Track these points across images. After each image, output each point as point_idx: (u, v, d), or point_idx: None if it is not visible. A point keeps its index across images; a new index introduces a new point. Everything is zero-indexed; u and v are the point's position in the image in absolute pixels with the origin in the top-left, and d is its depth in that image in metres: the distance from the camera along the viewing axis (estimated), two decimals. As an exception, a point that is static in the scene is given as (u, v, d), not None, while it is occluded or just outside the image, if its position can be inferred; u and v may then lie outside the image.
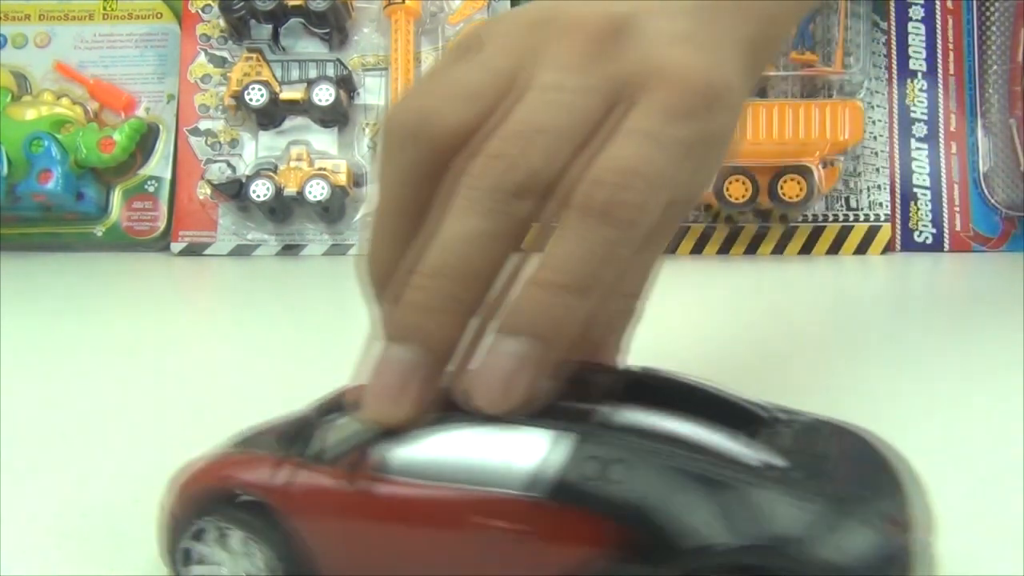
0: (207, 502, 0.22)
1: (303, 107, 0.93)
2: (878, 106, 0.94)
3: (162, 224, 0.97)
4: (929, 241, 0.94)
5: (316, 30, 0.96)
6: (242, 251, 0.94)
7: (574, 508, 0.19)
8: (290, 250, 0.94)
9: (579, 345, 0.24)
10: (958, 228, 0.94)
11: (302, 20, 0.95)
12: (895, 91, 0.95)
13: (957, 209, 0.94)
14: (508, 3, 0.97)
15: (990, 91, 0.95)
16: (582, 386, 0.24)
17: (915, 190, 0.94)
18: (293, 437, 0.24)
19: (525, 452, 0.20)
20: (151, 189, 0.98)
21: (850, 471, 0.22)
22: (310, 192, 0.90)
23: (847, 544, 0.18)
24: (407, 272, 0.23)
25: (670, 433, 0.21)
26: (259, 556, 0.22)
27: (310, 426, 0.24)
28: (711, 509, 0.19)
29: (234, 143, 0.96)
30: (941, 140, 0.95)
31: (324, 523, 0.21)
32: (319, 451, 0.22)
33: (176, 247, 0.95)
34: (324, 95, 0.92)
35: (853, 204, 0.92)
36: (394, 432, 0.21)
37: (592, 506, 0.19)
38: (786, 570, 0.18)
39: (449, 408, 0.22)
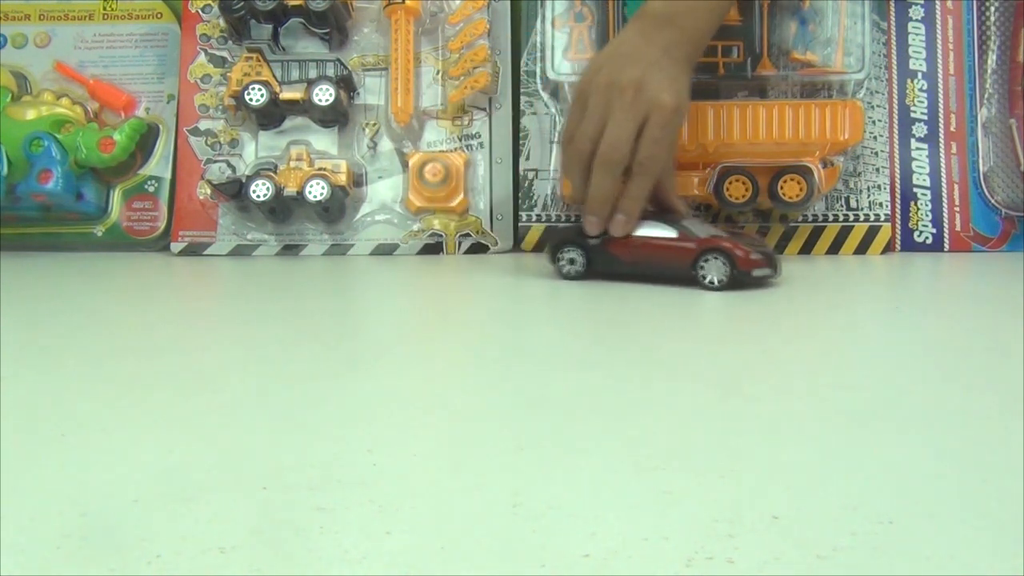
0: None
1: (303, 107, 0.93)
2: (878, 106, 0.94)
3: (162, 224, 0.97)
4: (929, 241, 0.94)
5: (316, 30, 0.96)
6: (242, 251, 0.94)
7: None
8: (290, 250, 0.94)
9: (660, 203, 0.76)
10: (958, 228, 0.93)
11: (302, 20, 0.95)
12: (895, 91, 0.95)
13: (957, 209, 0.94)
14: (508, 3, 0.98)
15: (990, 91, 0.95)
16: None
17: (915, 190, 0.94)
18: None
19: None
20: (151, 189, 0.98)
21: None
22: (310, 192, 0.90)
23: None
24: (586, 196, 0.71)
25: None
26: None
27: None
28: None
29: (234, 143, 0.96)
30: (941, 140, 0.95)
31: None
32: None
33: (176, 247, 0.95)
34: (324, 95, 0.92)
35: (853, 204, 0.92)
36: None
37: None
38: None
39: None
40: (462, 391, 0.41)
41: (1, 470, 0.30)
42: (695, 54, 0.76)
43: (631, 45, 0.73)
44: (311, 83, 0.92)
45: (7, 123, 0.94)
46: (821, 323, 0.58)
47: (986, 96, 0.95)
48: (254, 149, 0.96)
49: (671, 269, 0.69)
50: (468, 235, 0.94)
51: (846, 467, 0.30)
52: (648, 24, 0.74)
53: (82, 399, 0.40)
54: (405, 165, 0.95)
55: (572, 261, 0.72)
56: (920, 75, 0.95)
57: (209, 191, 0.94)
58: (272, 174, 0.92)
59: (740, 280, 0.67)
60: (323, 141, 0.96)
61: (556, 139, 0.94)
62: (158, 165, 0.98)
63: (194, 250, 0.95)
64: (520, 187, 0.95)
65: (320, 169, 0.92)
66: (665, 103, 0.69)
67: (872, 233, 0.92)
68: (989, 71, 0.95)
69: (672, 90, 0.70)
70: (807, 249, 0.92)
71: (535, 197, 0.94)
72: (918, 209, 0.94)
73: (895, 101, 0.95)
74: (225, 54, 0.97)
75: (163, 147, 0.99)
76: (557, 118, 0.94)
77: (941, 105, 0.95)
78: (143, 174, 0.98)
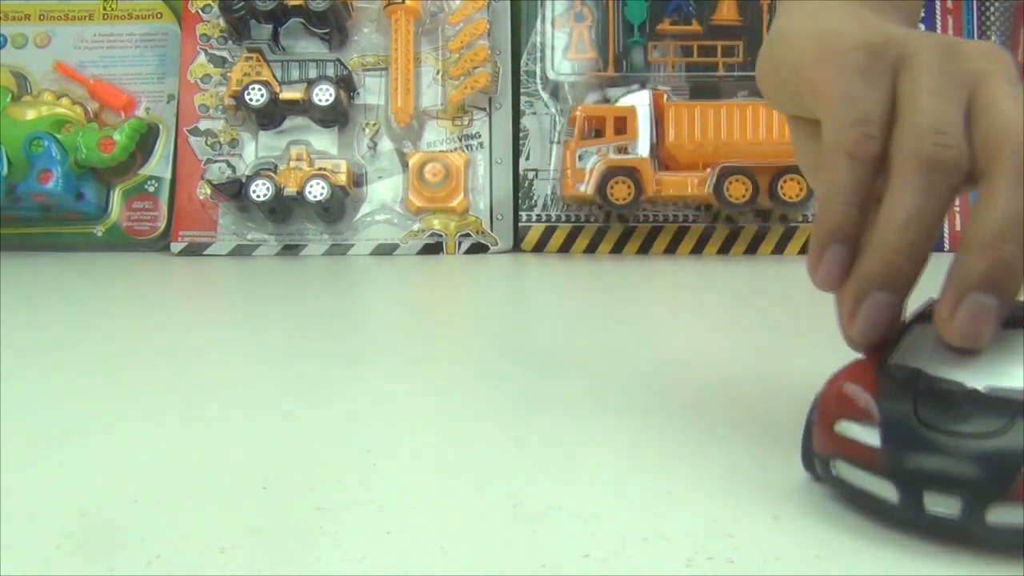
0: None
1: (303, 107, 0.93)
2: (878, 106, 0.94)
3: (162, 224, 0.97)
4: (929, 241, 0.94)
5: (316, 30, 0.96)
6: (242, 251, 0.94)
7: None
8: (290, 250, 0.94)
9: None
10: (958, 228, 0.93)
11: (302, 20, 0.95)
12: (895, 91, 0.95)
13: (957, 209, 0.94)
14: (508, 3, 0.98)
15: (990, 91, 0.95)
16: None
17: (915, 190, 0.94)
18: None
19: None
20: (151, 189, 0.98)
21: None
22: (310, 192, 0.90)
23: None
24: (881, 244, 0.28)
25: None
26: None
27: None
28: None
29: (234, 143, 0.96)
30: (941, 140, 0.95)
31: None
32: None
33: (176, 247, 0.95)
34: (324, 95, 0.92)
35: (853, 204, 0.92)
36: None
37: None
38: None
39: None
40: (462, 391, 0.41)
41: (1, 470, 0.30)
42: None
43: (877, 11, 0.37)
44: (311, 83, 0.92)
45: (7, 123, 0.94)
46: (821, 321, 0.58)
47: (986, 96, 0.95)
48: (254, 149, 0.96)
49: None
50: (468, 235, 0.94)
51: (846, 467, 0.30)
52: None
53: (82, 399, 0.40)
54: (405, 165, 0.95)
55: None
56: (920, 75, 0.95)
57: (209, 191, 0.94)
58: (272, 174, 0.92)
59: None
60: (323, 141, 0.96)
61: (556, 139, 0.94)
62: (158, 165, 0.98)
63: (194, 250, 0.95)
64: (520, 187, 0.95)
65: (320, 169, 0.92)
66: (1001, 53, 0.33)
67: (872, 233, 0.92)
68: (989, 71, 0.95)
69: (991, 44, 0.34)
70: (807, 249, 0.92)
71: (535, 197, 0.94)
72: (918, 209, 0.94)
73: (895, 101, 0.95)
74: (225, 54, 0.97)
75: (163, 147, 0.99)
76: (557, 118, 0.94)
77: (941, 105, 0.95)
78: (143, 174, 0.98)
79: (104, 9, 1.02)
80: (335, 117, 0.95)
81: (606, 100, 0.92)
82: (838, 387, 0.27)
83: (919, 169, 0.28)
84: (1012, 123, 0.28)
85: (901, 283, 0.28)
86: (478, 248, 0.94)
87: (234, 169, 0.95)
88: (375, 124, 0.96)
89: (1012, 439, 0.23)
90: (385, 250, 0.94)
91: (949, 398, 0.25)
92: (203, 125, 0.97)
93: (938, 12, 0.95)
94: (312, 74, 0.94)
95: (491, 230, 0.95)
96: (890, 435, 0.25)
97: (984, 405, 0.24)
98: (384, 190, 0.95)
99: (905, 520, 0.24)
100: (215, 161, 0.96)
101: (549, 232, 0.94)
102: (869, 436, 0.25)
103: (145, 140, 0.98)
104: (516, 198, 0.95)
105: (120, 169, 0.97)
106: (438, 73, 0.96)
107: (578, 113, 0.89)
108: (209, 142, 0.96)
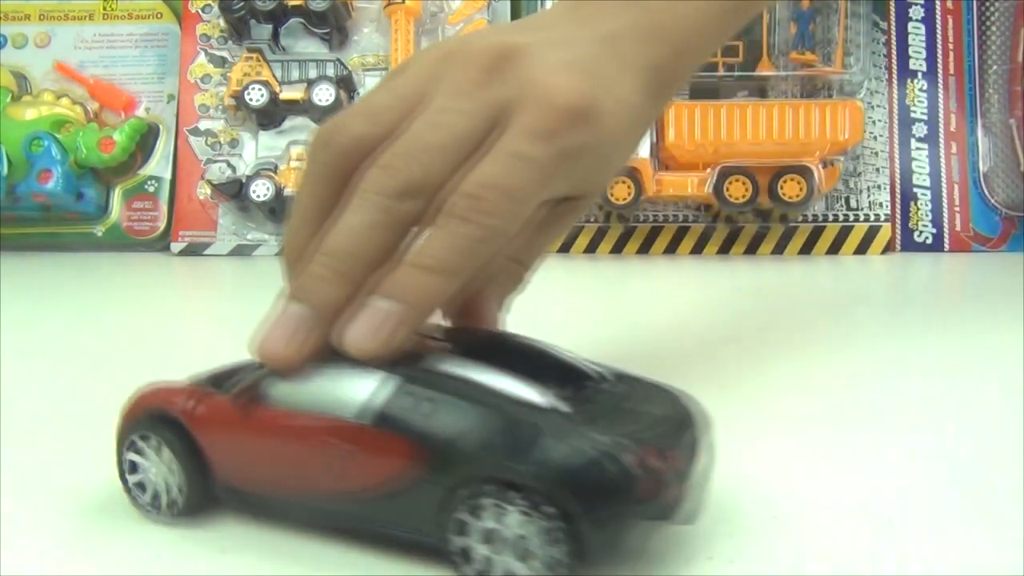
0: (143, 420, 0.28)
1: (303, 107, 0.93)
2: (878, 106, 0.93)
3: (162, 224, 0.97)
4: (929, 241, 0.94)
5: (316, 30, 0.96)
6: (242, 251, 0.94)
7: (391, 433, 0.24)
8: (290, 250, 0.94)
9: (466, 310, 0.34)
10: (958, 228, 0.93)
11: (302, 20, 0.95)
12: (895, 91, 0.95)
13: (957, 209, 0.94)
14: (508, 3, 0.98)
15: (990, 91, 0.94)
16: (444, 342, 0.29)
17: (915, 190, 0.94)
18: (224, 377, 0.29)
19: (360, 388, 0.25)
20: (151, 189, 0.98)
21: (639, 421, 0.25)
22: (310, 192, 0.90)
23: (582, 469, 0.22)
24: (313, 251, 0.29)
25: (478, 379, 0.25)
26: (176, 464, 0.27)
27: (240, 370, 0.29)
28: (484, 436, 0.23)
29: (234, 143, 0.96)
30: (941, 140, 0.95)
31: (217, 437, 0.27)
32: (227, 385, 0.28)
33: (176, 247, 0.95)
34: (324, 95, 0.92)
35: (853, 204, 0.92)
36: (279, 373, 0.27)
37: (403, 432, 0.24)
38: (529, 482, 0.22)
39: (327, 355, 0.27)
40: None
41: (1, 469, 0.30)
42: (672, 69, 0.36)
43: (543, 20, 0.37)
44: (311, 83, 0.92)
45: (7, 123, 0.94)
46: (821, 322, 0.58)
47: (986, 96, 0.95)
48: (254, 149, 0.96)
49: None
50: (468, 235, 0.94)
51: (847, 467, 0.30)
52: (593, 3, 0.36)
53: (82, 399, 0.40)
54: (405, 165, 0.95)
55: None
56: (920, 75, 0.95)
57: (209, 191, 0.94)
58: (272, 174, 0.92)
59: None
60: (323, 141, 0.96)
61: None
62: (158, 165, 0.98)
63: (194, 250, 0.95)
64: (520, 187, 0.95)
65: (320, 169, 0.92)
66: (554, 93, 0.30)
67: (872, 233, 0.92)
68: (989, 71, 0.95)
69: (584, 83, 0.31)
70: (807, 249, 0.92)
71: (535, 197, 0.94)
72: (918, 209, 0.94)
73: (895, 101, 0.95)
74: (225, 54, 0.97)
75: (163, 147, 0.99)
76: (557, 118, 0.94)
77: (941, 105, 0.95)
78: (143, 174, 0.98)
79: (104, 9, 1.02)
80: (335, 117, 0.95)
81: (606, 100, 0.92)
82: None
83: (370, 188, 0.29)
84: (483, 176, 0.29)
85: (320, 298, 0.28)
86: (478, 248, 0.94)
87: (234, 169, 0.95)
88: (375, 124, 0.96)
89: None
90: (385, 250, 0.94)
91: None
92: (203, 125, 0.97)
93: (938, 12, 0.95)
94: (312, 74, 0.94)
95: (491, 230, 0.94)
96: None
97: None
98: (384, 190, 0.95)
99: None
100: (215, 161, 0.96)
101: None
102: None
103: (145, 140, 0.98)
104: (516, 198, 0.95)
105: (120, 169, 0.97)
106: (438, 73, 0.96)
107: (578, 113, 0.89)
108: (209, 142, 0.96)
